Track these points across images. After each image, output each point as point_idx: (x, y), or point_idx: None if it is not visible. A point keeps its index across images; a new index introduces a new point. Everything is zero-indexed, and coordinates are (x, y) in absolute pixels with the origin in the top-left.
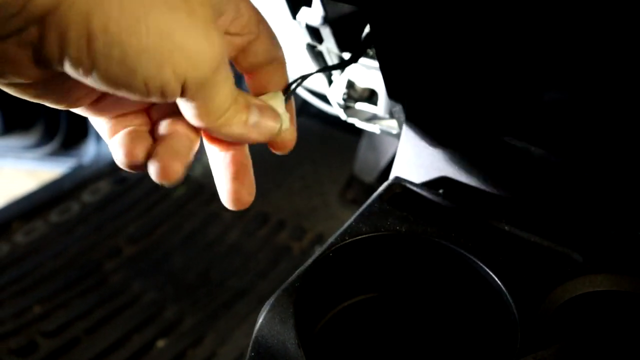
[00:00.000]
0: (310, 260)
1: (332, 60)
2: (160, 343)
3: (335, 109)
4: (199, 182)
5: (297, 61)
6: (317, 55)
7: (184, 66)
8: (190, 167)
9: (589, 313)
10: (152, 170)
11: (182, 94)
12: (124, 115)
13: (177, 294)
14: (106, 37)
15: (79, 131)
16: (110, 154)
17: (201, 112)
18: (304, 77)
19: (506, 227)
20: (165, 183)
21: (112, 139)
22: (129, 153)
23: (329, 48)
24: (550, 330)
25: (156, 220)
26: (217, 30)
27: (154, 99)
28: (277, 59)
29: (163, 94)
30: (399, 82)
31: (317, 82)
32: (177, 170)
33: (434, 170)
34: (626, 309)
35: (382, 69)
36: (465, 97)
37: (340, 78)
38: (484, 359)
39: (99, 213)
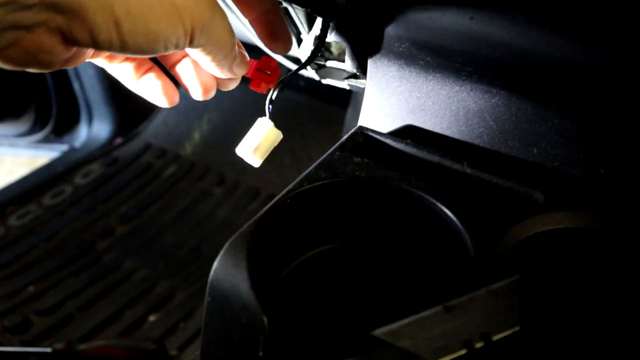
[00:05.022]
0: (268, 206)
1: (297, 16)
2: (152, 317)
3: (309, 71)
4: (190, 160)
5: None
6: (282, 12)
7: (189, 19)
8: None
9: (547, 250)
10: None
11: (190, 44)
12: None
13: (169, 270)
14: (130, 17)
15: (70, 116)
16: (101, 136)
17: (209, 55)
18: (294, 72)
19: (468, 170)
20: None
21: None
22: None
23: (294, 5)
24: (507, 266)
25: (148, 199)
26: None
27: (168, 53)
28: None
29: (176, 47)
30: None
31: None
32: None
33: (399, 120)
34: (584, 246)
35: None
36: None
37: (308, 37)
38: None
39: (91, 194)
